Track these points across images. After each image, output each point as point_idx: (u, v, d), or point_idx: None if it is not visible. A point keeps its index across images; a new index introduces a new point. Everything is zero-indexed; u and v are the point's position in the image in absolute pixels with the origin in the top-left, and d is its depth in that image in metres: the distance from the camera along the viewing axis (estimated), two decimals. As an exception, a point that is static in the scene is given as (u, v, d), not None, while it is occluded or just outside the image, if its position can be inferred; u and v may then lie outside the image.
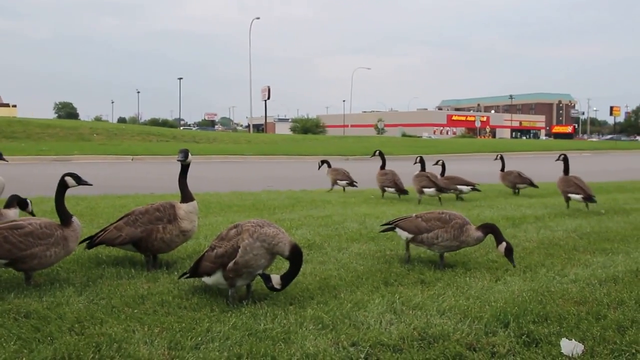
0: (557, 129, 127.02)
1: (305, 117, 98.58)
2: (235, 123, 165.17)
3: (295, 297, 4.39)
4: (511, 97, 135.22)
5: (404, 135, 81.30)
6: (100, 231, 5.41)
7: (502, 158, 13.14)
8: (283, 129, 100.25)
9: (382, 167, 11.66)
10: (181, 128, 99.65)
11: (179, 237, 5.30)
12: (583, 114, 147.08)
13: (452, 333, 3.65)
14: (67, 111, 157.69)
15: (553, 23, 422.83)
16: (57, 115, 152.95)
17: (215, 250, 4.32)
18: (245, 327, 3.74)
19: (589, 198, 9.42)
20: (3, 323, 3.74)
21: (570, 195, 9.67)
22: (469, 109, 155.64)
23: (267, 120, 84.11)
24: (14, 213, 5.77)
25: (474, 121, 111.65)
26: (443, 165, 11.63)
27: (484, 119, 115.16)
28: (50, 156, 25.92)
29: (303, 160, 29.09)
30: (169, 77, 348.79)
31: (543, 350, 3.46)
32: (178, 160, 5.22)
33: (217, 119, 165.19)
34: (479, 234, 5.31)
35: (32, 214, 6.17)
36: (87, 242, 5.38)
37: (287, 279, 4.16)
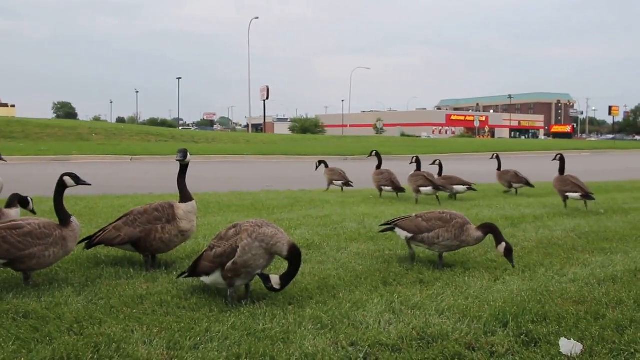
0: (556, 129, 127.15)
1: (304, 117, 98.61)
2: (234, 123, 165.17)
3: (294, 296, 4.39)
4: (510, 96, 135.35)
5: (402, 135, 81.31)
6: (99, 231, 5.41)
7: (498, 157, 13.17)
8: (282, 129, 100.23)
9: (378, 167, 11.71)
10: (180, 128, 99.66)
11: (178, 237, 5.30)
12: (582, 113, 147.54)
13: (451, 333, 3.65)
14: (65, 111, 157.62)
15: (552, 23, 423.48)
16: (55, 115, 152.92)
17: (214, 250, 4.31)
18: (244, 327, 3.74)
19: (587, 196, 9.43)
20: (2, 323, 3.74)
21: (568, 194, 9.68)
22: (467, 109, 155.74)
23: (266, 120, 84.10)
24: (15, 212, 5.77)
25: (473, 121, 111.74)
26: (440, 165, 11.65)
27: (483, 118, 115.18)
28: (49, 156, 25.91)
29: (302, 160, 29.08)
30: (167, 77, 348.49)
31: (542, 350, 3.46)
32: (177, 160, 5.21)
33: (216, 118, 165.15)
34: (479, 233, 5.32)
35: (33, 212, 6.17)
36: (86, 242, 5.37)
37: (286, 279, 4.16)
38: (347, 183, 12.55)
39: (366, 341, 3.51)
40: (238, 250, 4.15)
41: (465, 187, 11.18)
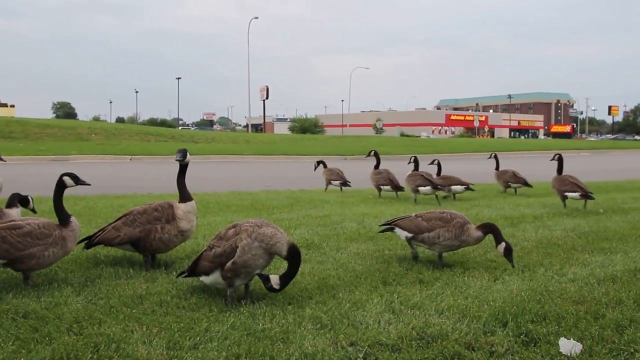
0: (556, 129, 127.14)
1: (304, 116, 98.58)
2: (233, 123, 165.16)
3: (294, 296, 4.39)
4: (510, 96, 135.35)
5: (402, 135, 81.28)
6: (99, 231, 5.40)
7: (496, 157, 13.19)
8: (281, 129, 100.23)
9: (376, 166, 11.73)
10: (179, 128, 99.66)
11: (177, 237, 5.30)
12: (581, 113, 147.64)
13: (450, 332, 3.65)
14: (65, 111, 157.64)
15: (552, 22, 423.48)
16: (55, 115, 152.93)
17: (213, 250, 4.31)
18: (244, 327, 3.74)
19: (586, 195, 9.44)
20: (1, 323, 3.73)
21: (567, 193, 9.68)
22: (467, 109, 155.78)
23: (266, 120, 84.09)
24: (16, 212, 5.77)
25: (473, 121, 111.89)
26: (439, 165, 11.65)
27: (483, 118, 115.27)
28: (49, 156, 25.91)
29: (301, 160, 29.08)
30: (167, 76, 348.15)
31: (541, 350, 3.46)
32: (176, 160, 5.21)
33: (215, 118, 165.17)
34: (479, 233, 5.32)
35: (33, 210, 6.17)
36: (86, 242, 5.37)
37: (285, 279, 4.16)
38: (344, 183, 12.58)
39: (366, 341, 3.51)
40: (237, 250, 4.15)
41: (463, 187, 11.19)
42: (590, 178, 15.37)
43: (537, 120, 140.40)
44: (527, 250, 6.29)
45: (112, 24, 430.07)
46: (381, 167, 11.77)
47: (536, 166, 22.77)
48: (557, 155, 10.11)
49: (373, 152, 12.23)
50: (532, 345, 3.55)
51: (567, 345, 3.44)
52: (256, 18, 74.39)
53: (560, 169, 9.95)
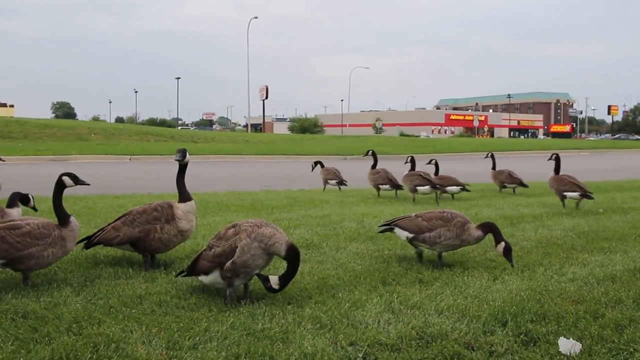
0: (555, 128, 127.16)
1: (304, 116, 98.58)
2: (233, 123, 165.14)
3: (294, 296, 4.39)
4: (509, 96, 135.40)
5: (402, 134, 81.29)
6: (98, 231, 5.40)
7: (492, 156, 13.18)
8: (281, 129, 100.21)
9: (374, 166, 11.73)
10: (179, 128, 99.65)
11: (177, 237, 5.29)
12: (581, 113, 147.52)
13: (450, 332, 3.65)
14: (64, 111, 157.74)
15: (551, 22, 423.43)
16: (54, 115, 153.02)
17: (213, 250, 4.31)
18: (243, 326, 3.74)
19: (586, 195, 9.44)
20: (1, 323, 3.73)
21: (566, 193, 9.68)
22: (467, 108, 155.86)
23: (265, 120, 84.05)
24: (16, 212, 5.76)
25: (472, 120, 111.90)
26: (436, 165, 11.65)
27: (482, 118, 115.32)
28: (48, 156, 25.91)
29: (301, 159, 29.07)
30: (166, 76, 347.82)
31: (541, 349, 3.46)
32: (176, 160, 5.21)
33: (215, 118, 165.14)
34: (479, 232, 5.31)
35: (34, 208, 6.16)
36: (85, 242, 5.37)
37: (285, 279, 4.15)
38: (341, 182, 12.65)
39: (365, 341, 3.51)
40: (237, 250, 4.15)
41: (458, 187, 11.19)
42: (590, 178, 15.38)
43: (537, 120, 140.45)
44: (526, 249, 6.29)
45: (111, 24, 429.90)
46: (380, 167, 11.78)
47: (536, 166, 22.78)
48: (555, 155, 10.11)
49: (371, 151, 12.25)
50: (532, 344, 3.55)
51: (567, 344, 3.44)
52: (256, 18, 74.33)
53: (557, 169, 9.95)
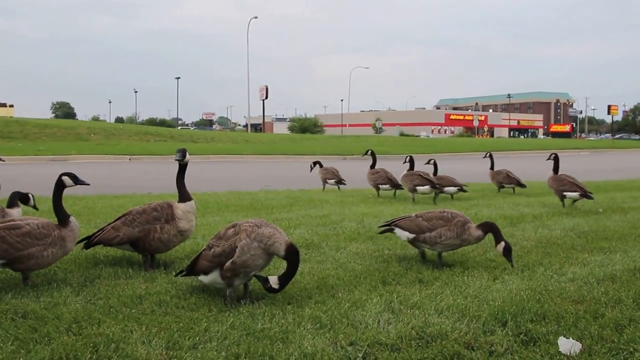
0: (555, 128, 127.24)
1: (303, 116, 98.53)
2: (233, 122, 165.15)
3: (293, 296, 4.39)
4: (509, 96, 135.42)
5: (401, 134, 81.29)
6: (98, 231, 5.40)
7: (491, 156, 13.18)
8: (281, 129, 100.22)
9: (372, 166, 11.73)
10: (179, 128, 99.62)
11: (177, 237, 5.29)
12: (581, 112, 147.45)
13: (450, 332, 3.65)
14: (64, 111, 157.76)
15: (551, 22, 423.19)
16: (54, 115, 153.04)
17: (212, 249, 4.31)
18: (243, 326, 3.74)
19: (585, 195, 9.44)
20: (0, 323, 3.73)
21: (566, 193, 9.67)
22: (467, 108, 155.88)
23: (265, 120, 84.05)
24: (17, 212, 5.75)
25: (472, 120, 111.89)
26: (435, 165, 11.65)
27: (482, 118, 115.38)
28: (48, 156, 25.91)
29: (301, 159, 29.08)
30: (166, 76, 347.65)
31: (541, 349, 3.46)
32: (176, 160, 5.21)
33: (215, 118, 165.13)
34: (480, 232, 5.31)
35: (35, 207, 6.16)
36: (85, 242, 5.37)
37: (284, 279, 4.15)
38: (340, 181, 12.66)
39: (365, 341, 3.51)
40: (237, 250, 4.15)
41: (456, 188, 11.18)
42: (590, 177, 15.39)
43: (537, 119, 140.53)
44: (526, 249, 6.29)
45: (111, 24, 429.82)
46: (380, 166, 11.78)
47: (535, 166, 22.78)
48: (553, 155, 10.11)
49: (370, 151, 12.25)
50: (532, 344, 3.55)
51: (567, 344, 3.44)
52: (256, 18, 74.30)
53: (556, 168, 9.95)
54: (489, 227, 5.29)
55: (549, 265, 5.52)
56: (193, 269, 4.46)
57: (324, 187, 12.97)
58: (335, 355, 3.34)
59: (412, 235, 5.55)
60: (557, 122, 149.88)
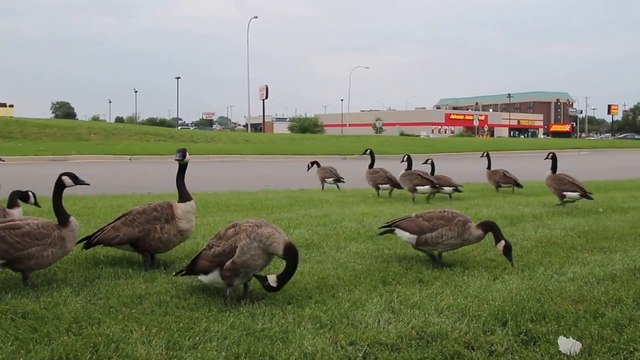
0: (555, 128, 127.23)
1: (303, 116, 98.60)
2: (233, 122, 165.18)
3: (293, 296, 4.38)
4: (509, 95, 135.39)
5: (402, 134, 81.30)
6: (98, 231, 5.40)
7: (488, 156, 13.15)
8: (281, 129, 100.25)
9: (371, 165, 11.71)
10: (179, 127, 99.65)
11: (177, 237, 5.29)
12: (581, 112, 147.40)
13: (450, 332, 3.65)
14: (64, 111, 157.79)
15: (551, 22, 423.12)
16: (54, 115, 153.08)
17: (212, 249, 4.31)
18: (243, 326, 3.74)
19: (585, 195, 9.43)
20: (0, 323, 3.73)
21: (565, 193, 9.67)
22: (467, 108, 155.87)
23: (265, 120, 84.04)
24: (18, 212, 5.74)
25: (472, 120, 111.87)
26: (432, 165, 11.64)
27: (482, 117, 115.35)
28: (48, 156, 25.91)
29: (301, 159, 29.05)
30: (166, 76, 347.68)
31: (541, 349, 3.46)
32: (176, 160, 5.21)
33: (215, 118, 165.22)
34: (480, 231, 5.31)
35: (36, 204, 6.15)
36: (85, 242, 5.37)
37: (283, 278, 4.14)
38: (338, 179, 12.67)
39: (365, 340, 3.51)
40: (237, 250, 4.15)
41: (451, 188, 11.18)
42: (590, 177, 15.39)
43: (537, 119, 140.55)
44: (526, 249, 6.29)
45: (111, 24, 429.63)
46: (379, 166, 11.77)
47: (535, 165, 22.77)
48: (551, 154, 10.11)
49: (369, 150, 12.24)
50: (532, 344, 3.55)
51: (567, 344, 3.44)
52: (256, 18, 74.28)
53: (554, 167, 9.95)
54: (489, 226, 5.29)
55: (549, 265, 5.52)
56: (193, 269, 4.46)
57: (322, 187, 12.97)
58: (336, 355, 3.34)
59: (413, 236, 5.53)
60: (557, 121, 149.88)
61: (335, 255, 5.90)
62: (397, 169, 11.92)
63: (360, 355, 3.36)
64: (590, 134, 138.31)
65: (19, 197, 5.94)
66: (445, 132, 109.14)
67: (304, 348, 3.40)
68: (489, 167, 12.92)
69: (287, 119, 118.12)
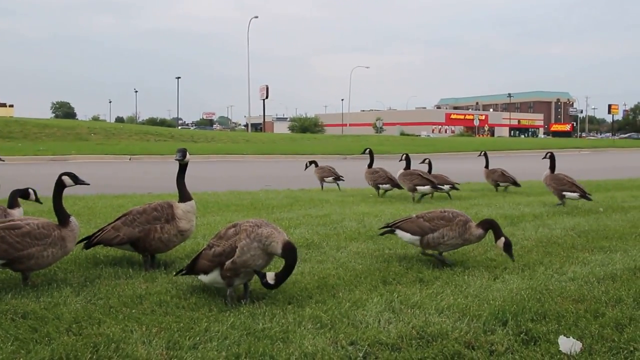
0: (556, 127, 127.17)
1: (304, 116, 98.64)
2: (233, 122, 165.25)
3: (294, 296, 4.38)
4: (510, 95, 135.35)
5: (402, 134, 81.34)
6: (98, 231, 5.40)
7: (485, 155, 13.14)
8: (281, 128, 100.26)
9: (370, 165, 11.69)
10: (179, 127, 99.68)
11: (177, 237, 5.29)
12: (581, 112, 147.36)
13: (450, 331, 3.65)
14: (64, 111, 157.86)
15: (551, 21, 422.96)
16: (54, 115, 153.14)
17: (213, 249, 4.31)
18: (244, 326, 3.73)
19: (584, 196, 9.43)
20: (0, 324, 3.73)
21: (565, 193, 9.66)
22: (467, 108, 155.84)
23: (266, 120, 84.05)
24: (18, 212, 5.73)
25: (473, 120, 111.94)
26: (429, 164, 11.64)
27: (483, 117, 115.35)
28: (48, 156, 25.91)
29: (301, 159, 29.02)
30: (166, 76, 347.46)
31: (541, 348, 3.46)
32: (176, 160, 5.21)
33: (215, 118, 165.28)
34: (480, 230, 5.31)
35: (38, 201, 6.14)
36: (85, 242, 5.36)
37: (281, 275, 4.13)
38: (337, 178, 12.67)
39: (366, 340, 3.51)
40: (237, 250, 4.15)
41: (449, 186, 11.18)
42: (591, 176, 15.37)
43: (537, 119, 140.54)
44: (527, 249, 6.29)
45: (111, 24, 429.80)
46: (379, 166, 11.76)
47: (535, 165, 22.74)
48: (549, 154, 10.12)
49: (368, 149, 12.23)
50: (532, 343, 3.55)
51: (567, 343, 3.44)
52: (256, 17, 74.28)
53: (553, 167, 9.94)
54: (488, 224, 5.29)
55: (549, 265, 5.52)
56: (193, 268, 4.46)
57: (322, 187, 12.95)
58: (336, 354, 3.34)
59: (414, 237, 5.52)
60: (557, 121, 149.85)
61: (336, 255, 5.90)
62: (396, 168, 11.93)
63: (361, 355, 3.36)
64: (591, 134, 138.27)
65: (20, 195, 5.91)
66: (446, 131, 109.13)
67: (305, 348, 3.40)
68: (486, 166, 12.92)
69: (288, 119, 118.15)
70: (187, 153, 5.24)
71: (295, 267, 4.21)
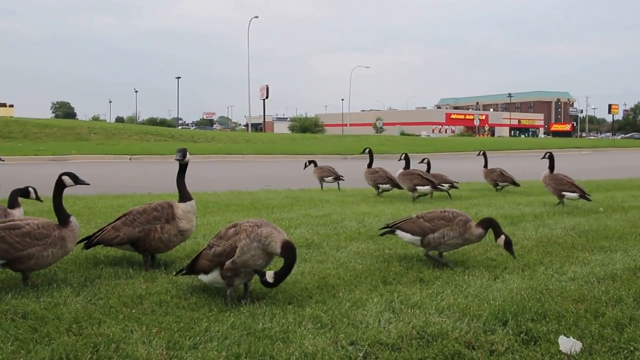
0: (556, 127, 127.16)
1: (304, 116, 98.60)
2: (233, 122, 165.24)
3: (294, 296, 4.38)
4: (510, 95, 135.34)
5: (402, 134, 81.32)
6: (98, 231, 5.40)
7: (484, 154, 13.14)
8: (281, 128, 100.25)
9: (370, 165, 11.69)
10: (179, 127, 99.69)
11: (177, 237, 5.29)
12: (582, 112, 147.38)
13: (450, 331, 3.65)
14: (64, 111, 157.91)
15: (552, 21, 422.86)
16: (54, 115, 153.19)
17: (213, 249, 4.31)
18: (244, 326, 3.73)
19: (584, 196, 9.43)
20: (0, 324, 3.73)
21: (564, 193, 9.66)
22: (467, 108, 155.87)
23: (266, 120, 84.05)
24: (18, 212, 5.72)
25: (473, 120, 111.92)
26: (428, 164, 11.63)
27: (483, 117, 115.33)
28: (48, 156, 25.91)
29: (301, 159, 28.97)
30: (166, 76, 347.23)
31: (541, 348, 3.46)
32: (176, 160, 5.21)
33: (215, 118, 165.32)
34: (481, 230, 5.31)
35: (38, 199, 6.13)
36: (85, 242, 5.36)
37: (280, 274, 4.12)
38: (337, 177, 12.66)
39: (366, 340, 3.51)
40: (237, 250, 4.15)
41: (448, 185, 11.18)
42: (591, 176, 15.38)
43: (537, 119, 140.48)
44: (527, 249, 6.29)
45: (111, 24, 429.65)
46: (379, 165, 11.75)
47: (536, 165, 22.73)
48: (548, 154, 10.12)
49: (367, 149, 12.22)
50: (532, 343, 3.55)
51: (567, 343, 3.44)
52: (256, 17, 74.30)
53: (552, 167, 9.94)
54: (488, 223, 5.30)
55: (549, 265, 5.52)
56: (193, 268, 4.46)
57: (321, 187, 12.94)
58: (336, 354, 3.34)
59: (415, 238, 5.52)
60: (557, 121, 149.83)
61: (336, 255, 5.90)
62: (396, 168, 11.93)
63: (361, 355, 3.36)
64: (591, 134, 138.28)
65: (20, 194, 5.90)
66: (446, 131, 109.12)
67: (305, 348, 3.40)
68: (485, 166, 12.91)
69: (288, 119, 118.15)
70: (187, 153, 5.24)
71: (295, 266, 4.21)
